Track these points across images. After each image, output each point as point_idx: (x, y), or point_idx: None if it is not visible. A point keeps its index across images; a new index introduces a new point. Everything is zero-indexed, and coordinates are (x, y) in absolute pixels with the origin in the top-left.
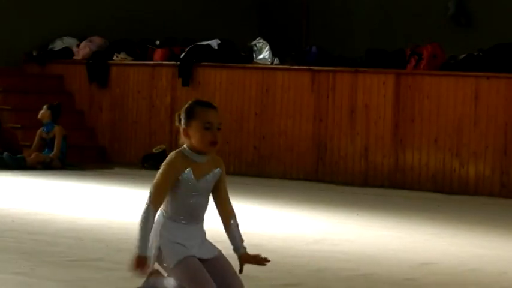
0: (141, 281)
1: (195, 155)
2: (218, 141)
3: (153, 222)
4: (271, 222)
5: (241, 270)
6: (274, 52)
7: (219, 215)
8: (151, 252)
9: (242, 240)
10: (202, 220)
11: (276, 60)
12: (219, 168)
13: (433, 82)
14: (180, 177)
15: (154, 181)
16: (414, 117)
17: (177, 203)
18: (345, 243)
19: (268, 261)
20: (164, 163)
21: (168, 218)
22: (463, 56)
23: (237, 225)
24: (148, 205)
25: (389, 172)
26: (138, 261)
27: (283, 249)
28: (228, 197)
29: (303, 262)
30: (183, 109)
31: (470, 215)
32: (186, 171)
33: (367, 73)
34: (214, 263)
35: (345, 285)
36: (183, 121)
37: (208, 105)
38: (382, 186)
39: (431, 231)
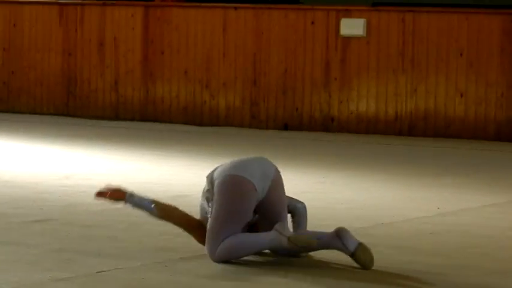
0: None
1: None
2: None
3: None
4: (22, 158)
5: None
6: None
7: None
8: None
9: None
10: None
11: None
12: None
13: (181, 14)
14: None
15: None
16: (163, 49)
17: None
18: (97, 177)
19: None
20: None
21: None
22: None
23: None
24: None
25: (140, 105)
26: None
27: (35, 185)
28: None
29: (55, 198)
30: None
31: (221, 146)
32: None
33: (115, 6)
34: None
35: (96, 219)
36: None
37: None
38: (133, 119)
39: (184, 163)
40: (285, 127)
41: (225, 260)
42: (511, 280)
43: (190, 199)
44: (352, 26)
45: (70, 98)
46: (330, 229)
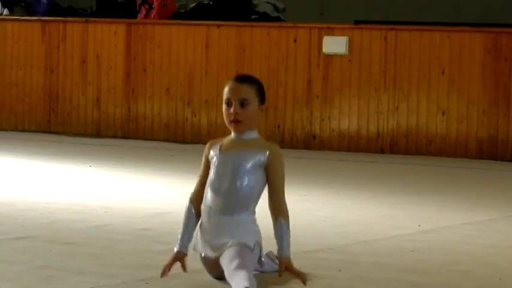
0: None
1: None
2: (240, 119)
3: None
4: (3, 175)
5: (280, 274)
6: (3, 3)
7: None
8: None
9: (288, 244)
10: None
11: (5, 11)
12: (266, 151)
13: (164, 31)
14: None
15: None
16: (146, 66)
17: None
18: (78, 195)
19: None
20: None
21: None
22: (194, 4)
23: (287, 225)
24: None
25: (122, 122)
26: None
27: (16, 202)
28: (279, 191)
29: (36, 215)
30: None
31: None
32: (214, 149)
33: (97, 23)
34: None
35: (77, 236)
36: None
37: (236, 79)
38: (115, 136)
39: (164, 181)
40: None
41: None
42: None
43: (172, 216)
44: (335, 44)
45: (52, 115)
46: (312, 247)
